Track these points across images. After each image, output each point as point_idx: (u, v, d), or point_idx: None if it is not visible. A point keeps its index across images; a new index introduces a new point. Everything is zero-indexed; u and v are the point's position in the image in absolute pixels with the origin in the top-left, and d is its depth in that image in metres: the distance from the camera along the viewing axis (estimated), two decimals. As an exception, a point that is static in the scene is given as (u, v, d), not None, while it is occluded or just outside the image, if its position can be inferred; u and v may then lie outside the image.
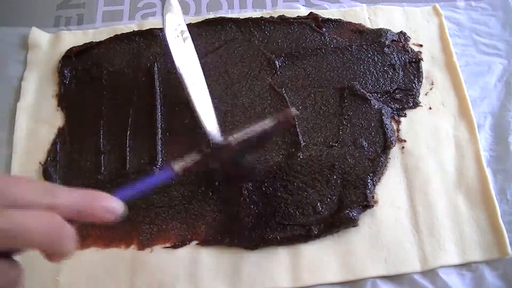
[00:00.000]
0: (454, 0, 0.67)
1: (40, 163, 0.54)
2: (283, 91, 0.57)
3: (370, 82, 0.58)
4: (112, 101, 0.58)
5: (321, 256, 0.49)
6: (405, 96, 0.58)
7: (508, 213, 0.52)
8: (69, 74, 0.60)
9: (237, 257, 0.49)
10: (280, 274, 0.48)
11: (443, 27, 0.63)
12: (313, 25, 0.62)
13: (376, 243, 0.50)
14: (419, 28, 0.64)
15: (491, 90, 0.60)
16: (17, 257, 0.27)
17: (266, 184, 0.52)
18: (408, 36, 0.63)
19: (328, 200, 0.51)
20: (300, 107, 0.57)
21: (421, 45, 0.62)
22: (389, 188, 0.53)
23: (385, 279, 0.49)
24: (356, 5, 0.67)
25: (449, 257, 0.49)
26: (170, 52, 0.51)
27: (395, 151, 0.55)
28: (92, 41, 0.62)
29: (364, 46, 0.61)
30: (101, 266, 0.49)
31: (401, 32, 0.63)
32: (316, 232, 0.49)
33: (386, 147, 0.54)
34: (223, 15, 0.64)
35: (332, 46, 0.61)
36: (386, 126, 0.55)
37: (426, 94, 0.59)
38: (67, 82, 0.59)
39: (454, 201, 0.52)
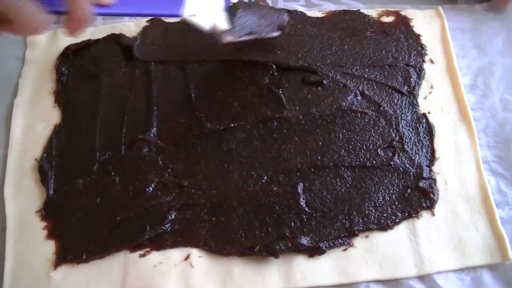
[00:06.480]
0: (456, 3, 0.67)
1: (36, 159, 0.55)
2: (280, 92, 0.57)
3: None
4: (108, 99, 0.57)
5: (314, 258, 0.49)
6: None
7: (508, 218, 0.52)
8: (66, 72, 0.60)
9: (229, 258, 0.49)
10: (272, 275, 0.48)
11: (445, 30, 0.63)
12: None
13: (371, 247, 0.50)
14: (421, 30, 0.63)
15: (492, 94, 0.59)
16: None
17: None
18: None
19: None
20: (297, 107, 0.56)
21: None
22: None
23: (379, 283, 0.48)
24: (357, 6, 0.66)
25: (447, 262, 0.49)
26: None
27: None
28: (90, 39, 0.62)
29: None
30: (93, 264, 0.49)
31: (401, 34, 0.62)
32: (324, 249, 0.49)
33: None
34: (222, 15, 0.64)
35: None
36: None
37: (425, 98, 0.58)
38: (64, 80, 0.59)
39: (453, 206, 0.52)
